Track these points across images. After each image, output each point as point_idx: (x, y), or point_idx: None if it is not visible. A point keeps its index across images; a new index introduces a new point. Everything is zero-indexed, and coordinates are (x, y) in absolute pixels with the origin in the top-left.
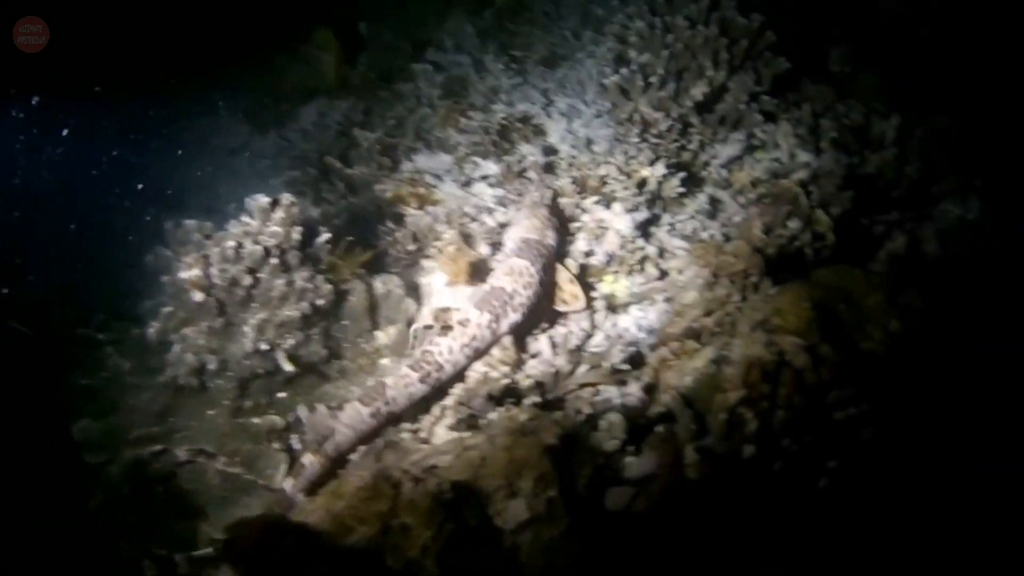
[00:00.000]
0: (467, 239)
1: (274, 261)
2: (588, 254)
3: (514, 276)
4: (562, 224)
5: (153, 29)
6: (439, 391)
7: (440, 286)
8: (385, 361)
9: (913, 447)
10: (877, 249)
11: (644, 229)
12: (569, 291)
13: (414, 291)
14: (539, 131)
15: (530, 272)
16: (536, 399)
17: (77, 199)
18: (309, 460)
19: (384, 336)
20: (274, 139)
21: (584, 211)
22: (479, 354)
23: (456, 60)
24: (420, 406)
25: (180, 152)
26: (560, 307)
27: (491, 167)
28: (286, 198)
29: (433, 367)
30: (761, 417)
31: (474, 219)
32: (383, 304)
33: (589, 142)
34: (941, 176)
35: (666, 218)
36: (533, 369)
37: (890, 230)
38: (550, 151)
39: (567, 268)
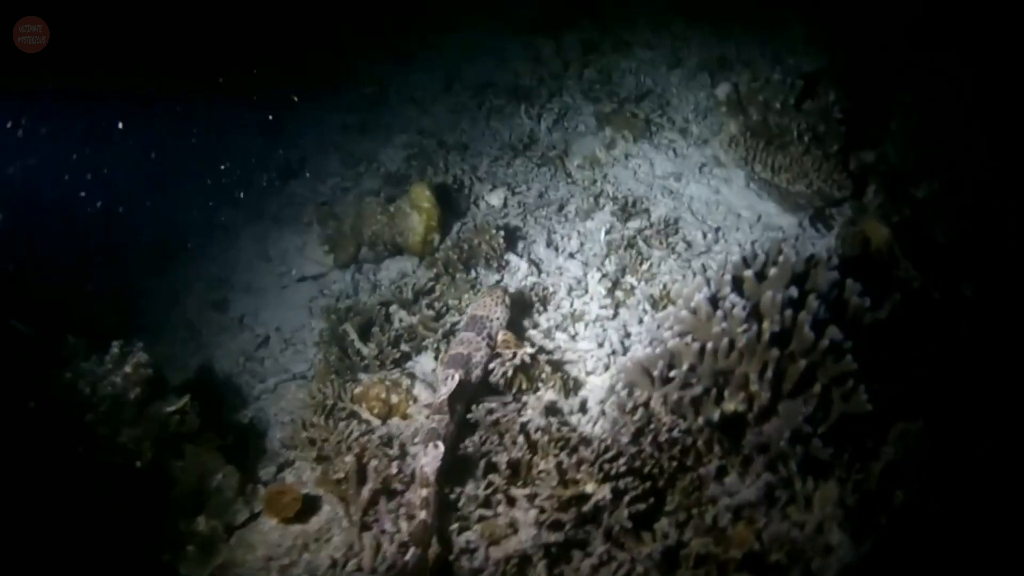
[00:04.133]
0: (361, 472)
1: (103, 409)
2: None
3: (465, 344)
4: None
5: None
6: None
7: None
8: (191, 548)
9: None
10: None
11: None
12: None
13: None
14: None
15: (477, 341)
16: None
17: None
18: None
19: (201, 524)
20: (347, 282)
21: (504, 501)
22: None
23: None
24: None
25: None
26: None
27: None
28: (142, 357)
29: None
30: None
31: (397, 457)
32: (212, 497)
33: None
34: None
35: (600, 549)
36: None
37: None
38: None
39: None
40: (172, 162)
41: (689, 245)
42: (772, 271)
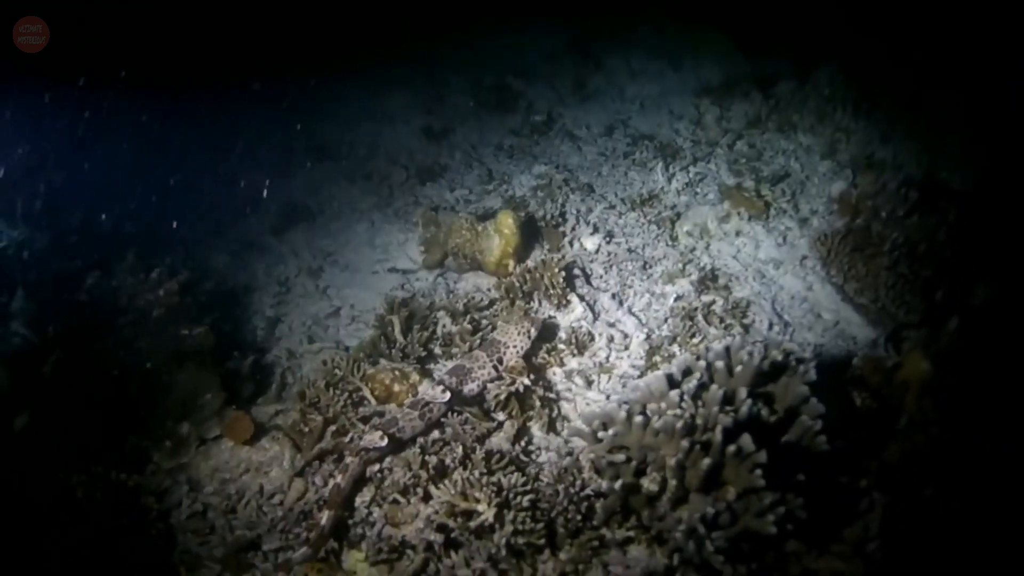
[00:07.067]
0: (322, 432)
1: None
2: None
3: (472, 360)
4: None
5: None
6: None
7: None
8: (168, 443)
9: None
10: None
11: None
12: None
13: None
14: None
15: (484, 360)
16: None
17: None
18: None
19: (184, 428)
20: (429, 282)
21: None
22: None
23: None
24: None
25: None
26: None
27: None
28: (173, 286)
29: (427, 409)
30: None
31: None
32: (196, 411)
33: None
34: None
35: (479, 565)
36: None
37: None
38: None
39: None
40: (334, 139)
41: (747, 331)
42: (738, 368)
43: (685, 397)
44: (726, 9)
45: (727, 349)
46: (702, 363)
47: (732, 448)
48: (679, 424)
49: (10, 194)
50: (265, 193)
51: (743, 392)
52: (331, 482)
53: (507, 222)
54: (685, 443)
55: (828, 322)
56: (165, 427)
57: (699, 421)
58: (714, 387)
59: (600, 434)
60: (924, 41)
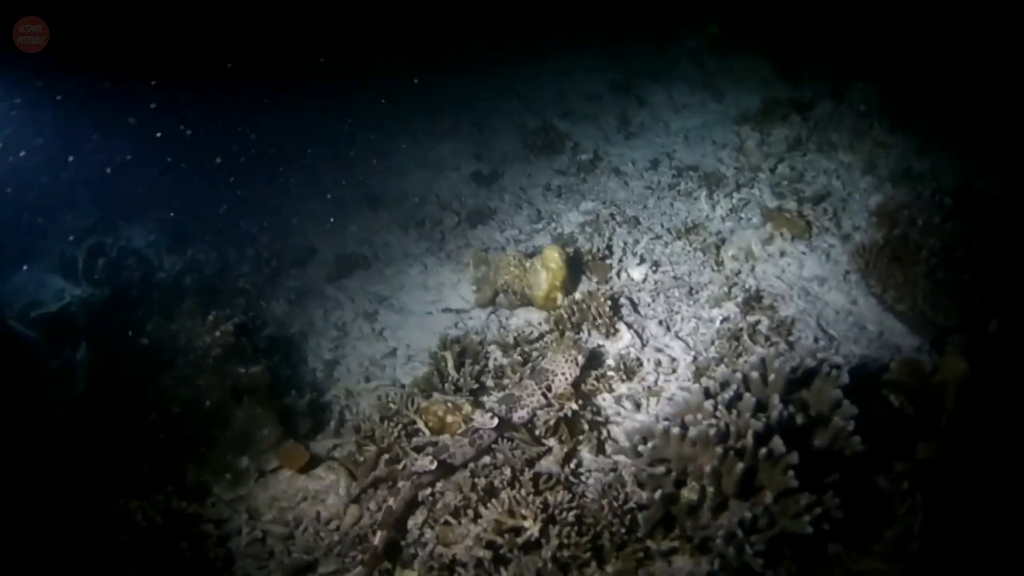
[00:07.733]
0: (376, 462)
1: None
2: None
3: (521, 388)
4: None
5: None
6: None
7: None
8: (228, 476)
9: None
10: None
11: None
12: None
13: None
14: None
15: (533, 388)
16: None
17: None
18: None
19: (244, 462)
20: (482, 320)
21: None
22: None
23: None
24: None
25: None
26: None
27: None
28: (228, 327)
29: (477, 435)
30: None
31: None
32: (253, 444)
33: None
34: None
35: None
36: None
37: None
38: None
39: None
40: (387, 188)
41: (792, 347)
42: (771, 376)
43: (719, 407)
44: (762, 35)
45: (762, 360)
46: (738, 375)
47: (764, 451)
48: (712, 432)
49: (73, 254)
50: (321, 243)
51: (775, 398)
52: (384, 507)
53: (553, 256)
54: (719, 450)
55: (872, 333)
56: (224, 460)
57: (732, 428)
58: (747, 395)
59: (640, 448)
60: (956, 49)
